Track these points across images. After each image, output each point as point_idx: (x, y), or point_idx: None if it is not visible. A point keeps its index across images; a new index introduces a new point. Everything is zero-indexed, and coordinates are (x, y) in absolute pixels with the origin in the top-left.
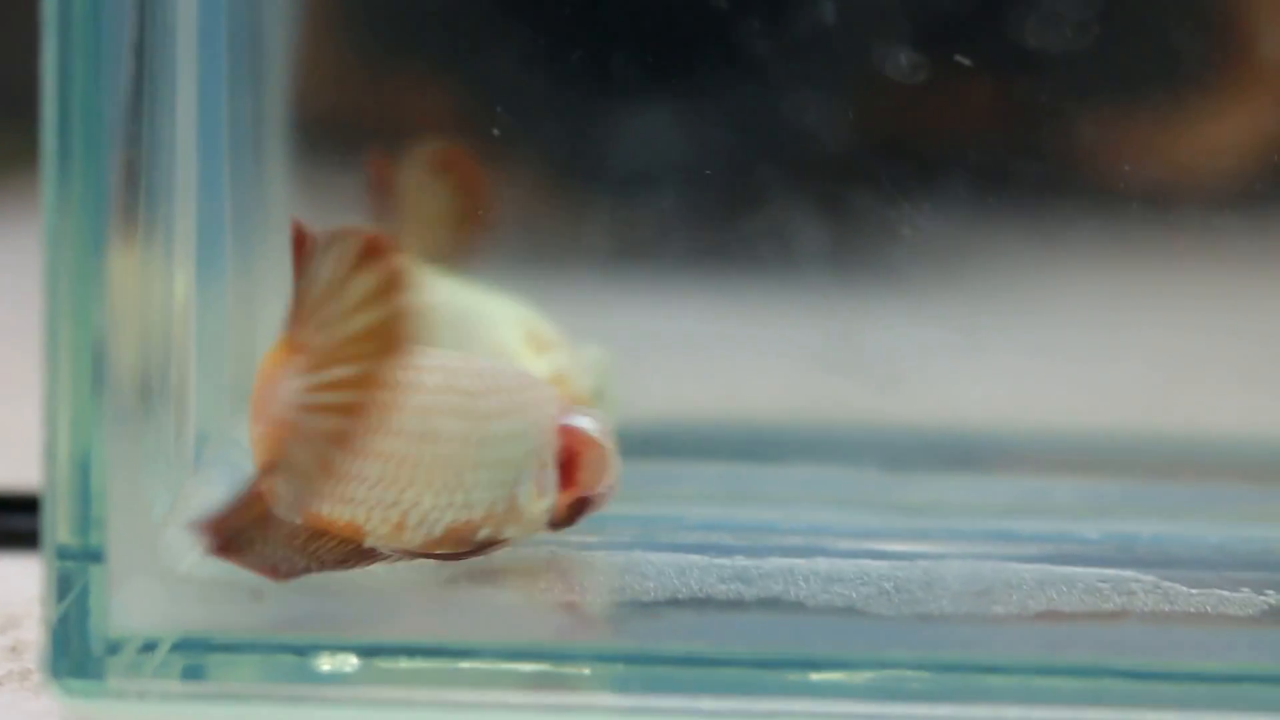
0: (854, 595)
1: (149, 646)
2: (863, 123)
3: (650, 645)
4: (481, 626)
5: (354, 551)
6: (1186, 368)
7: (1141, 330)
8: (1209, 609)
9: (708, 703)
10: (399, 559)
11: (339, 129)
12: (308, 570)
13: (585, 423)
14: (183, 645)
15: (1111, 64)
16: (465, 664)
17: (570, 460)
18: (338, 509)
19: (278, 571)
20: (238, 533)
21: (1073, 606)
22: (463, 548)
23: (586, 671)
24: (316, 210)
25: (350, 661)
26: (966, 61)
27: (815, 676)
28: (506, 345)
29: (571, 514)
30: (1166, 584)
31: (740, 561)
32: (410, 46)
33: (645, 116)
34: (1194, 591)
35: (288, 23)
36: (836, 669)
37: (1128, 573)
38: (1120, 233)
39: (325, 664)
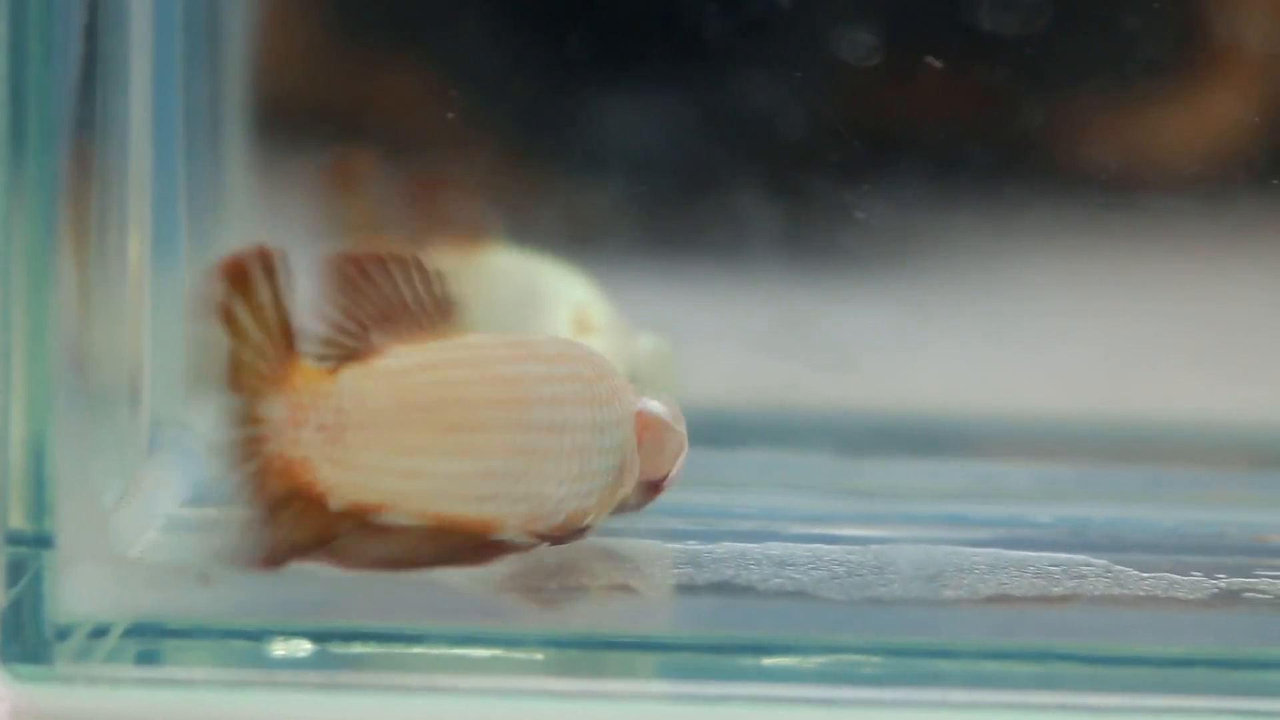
0: (805, 579)
1: (100, 632)
2: (816, 106)
3: (602, 630)
4: (434, 612)
5: (485, 546)
6: (1140, 353)
7: (1095, 316)
8: (1159, 593)
9: (660, 687)
10: (519, 550)
11: (298, 112)
12: (440, 564)
13: (656, 407)
14: (134, 631)
15: (1069, 48)
16: (418, 649)
17: (643, 443)
18: (474, 507)
19: (403, 565)
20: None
21: (1023, 590)
22: (565, 533)
23: (539, 657)
24: (275, 194)
25: (303, 647)
26: (938, 64)
27: (767, 661)
28: (554, 327)
29: (646, 497)
30: (1118, 568)
31: (693, 546)
32: (370, 28)
33: (596, 100)
34: (1145, 575)
35: (246, 3)
36: (788, 654)
37: (1079, 557)
38: (1072, 219)
39: (279, 649)
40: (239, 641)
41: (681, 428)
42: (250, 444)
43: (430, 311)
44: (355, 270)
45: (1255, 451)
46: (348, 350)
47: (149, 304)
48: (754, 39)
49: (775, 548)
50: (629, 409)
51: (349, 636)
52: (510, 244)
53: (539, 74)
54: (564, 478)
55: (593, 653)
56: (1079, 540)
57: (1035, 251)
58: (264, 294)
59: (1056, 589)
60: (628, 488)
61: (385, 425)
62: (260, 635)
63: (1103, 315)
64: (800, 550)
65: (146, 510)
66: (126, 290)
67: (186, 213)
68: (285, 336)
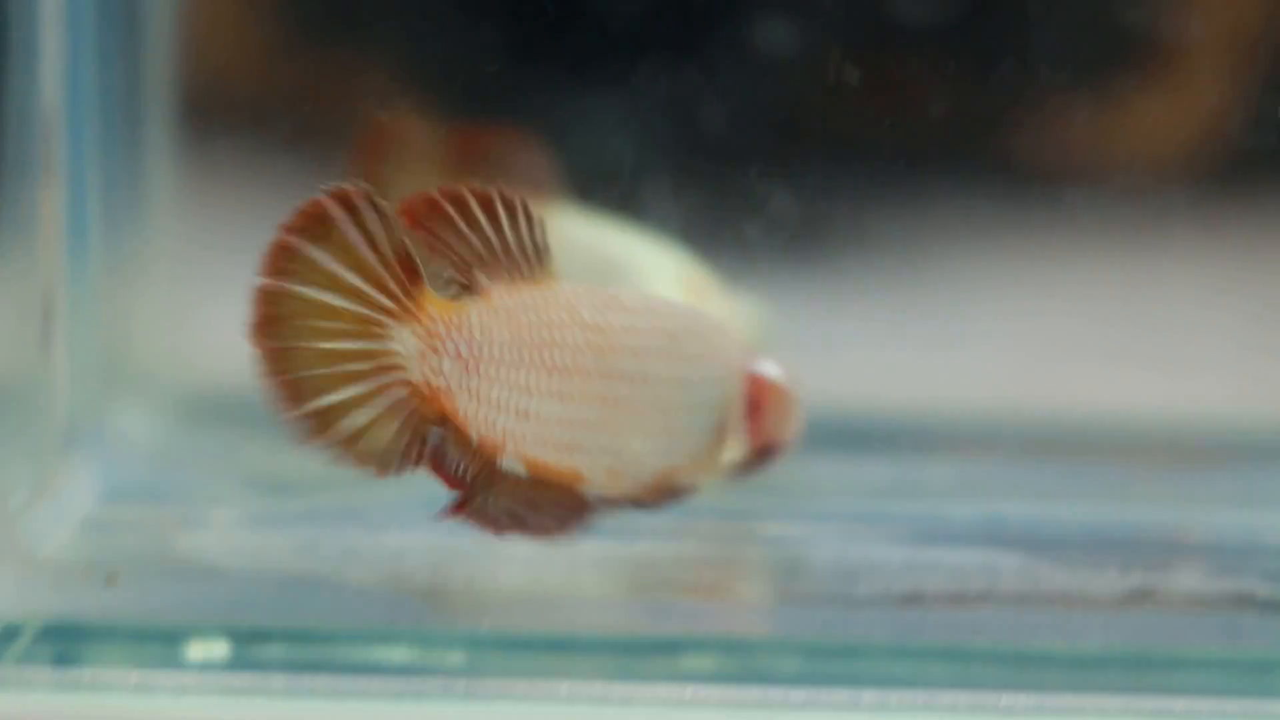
0: (720, 577)
1: (9, 634)
2: (724, 94)
3: (521, 631)
4: (352, 613)
5: (575, 504)
6: (1061, 349)
7: (1013, 311)
8: (1074, 590)
9: (577, 688)
10: (607, 511)
11: (229, 96)
12: (531, 529)
13: (769, 368)
14: (48, 633)
15: (992, 40)
16: (337, 650)
17: (756, 406)
18: (561, 455)
19: (498, 525)
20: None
21: (937, 588)
22: (662, 496)
23: (458, 658)
24: (202, 186)
25: (221, 648)
26: (855, 75)
27: (684, 660)
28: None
29: (758, 461)
30: (1033, 565)
31: (607, 544)
32: (304, 5)
33: (508, 92)
34: (1060, 573)
35: None
36: (704, 652)
37: (995, 554)
38: (990, 214)
39: (196, 651)
40: (155, 644)
41: (795, 390)
42: (382, 374)
43: (529, 256)
44: (463, 207)
45: (1176, 449)
46: (457, 287)
47: (64, 300)
48: (671, 29)
49: (691, 546)
50: (730, 369)
51: (267, 637)
52: (577, 205)
53: (476, 58)
54: (644, 432)
55: (510, 654)
56: (995, 537)
57: (954, 246)
58: (366, 229)
59: (970, 587)
60: (732, 451)
61: (508, 362)
62: (177, 637)
63: (1023, 311)
64: (716, 548)
65: (59, 509)
66: (38, 285)
67: (102, 205)
68: (407, 268)
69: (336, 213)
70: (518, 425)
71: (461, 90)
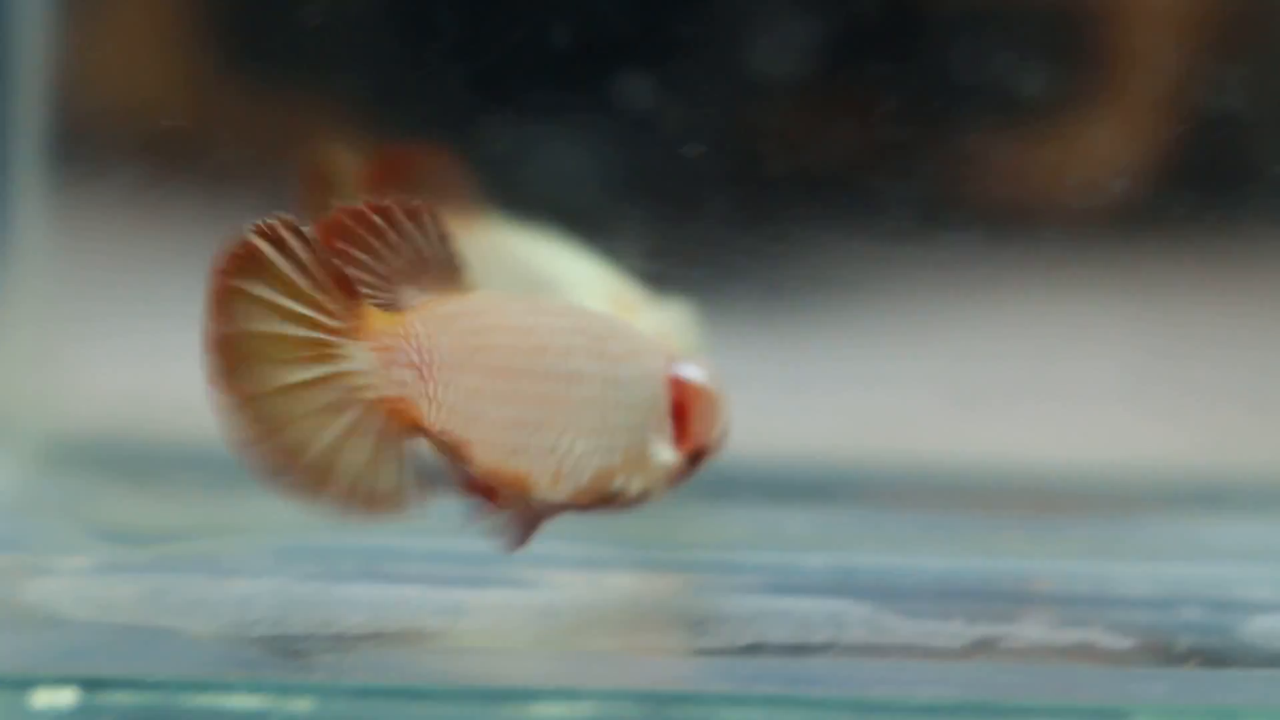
0: (566, 627)
1: None
2: (630, 134)
3: (367, 680)
4: (202, 661)
5: (529, 512)
6: (915, 397)
7: (867, 359)
8: (917, 640)
9: None
10: (550, 518)
11: (101, 137)
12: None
13: (693, 372)
14: None
15: (906, 86)
16: (187, 699)
17: (682, 411)
18: (509, 459)
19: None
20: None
21: (781, 638)
22: (599, 500)
23: (306, 706)
24: (72, 230)
25: (67, 697)
26: (701, 149)
27: (534, 709)
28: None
29: (689, 466)
30: (880, 615)
31: (457, 593)
32: (194, 33)
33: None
34: (906, 623)
35: (45, 9)
36: (550, 702)
37: (844, 604)
38: (844, 260)
39: (42, 699)
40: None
41: (720, 391)
42: (349, 393)
43: (444, 266)
44: (368, 222)
45: (1032, 499)
46: (381, 303)
47: None
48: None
49: (542, 596)
50: (654, 371)
51: (112, 686)
52: (503, 220)
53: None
54: (581, 431)
55: (359, 702)
56: (845, 587)
57: (809, 292)
58: (296, 258)
59: (815, 636)
60: (663, 455)
61: (453, 366)
62: (22, 685)
63: (876, 359)
64: (566, 598)
65: None
66: None
67: None
68: (344, 288)
69: (264, 247)
70: (470, 431)
71: (372, 115)
